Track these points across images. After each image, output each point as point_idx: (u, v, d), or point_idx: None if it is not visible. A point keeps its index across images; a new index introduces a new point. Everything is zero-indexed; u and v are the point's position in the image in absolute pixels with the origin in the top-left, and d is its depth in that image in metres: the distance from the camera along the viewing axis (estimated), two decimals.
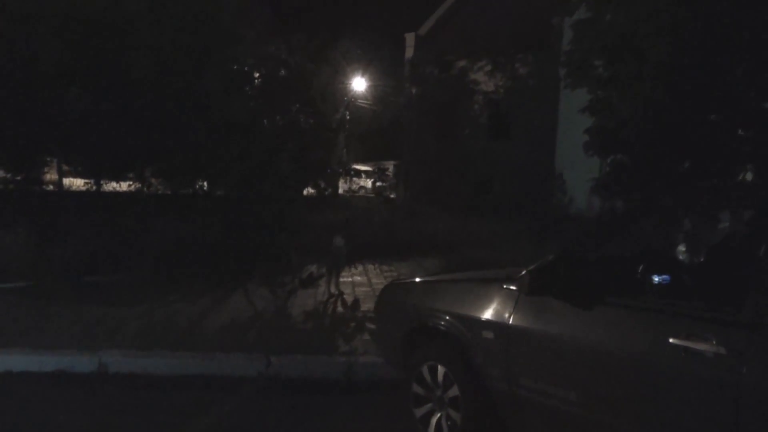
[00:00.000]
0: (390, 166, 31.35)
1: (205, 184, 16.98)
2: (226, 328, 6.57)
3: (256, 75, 17.84)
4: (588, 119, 16.02)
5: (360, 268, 9.89)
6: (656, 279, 3.98)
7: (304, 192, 18.50)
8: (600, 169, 18.39)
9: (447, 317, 4.52)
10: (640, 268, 4.17)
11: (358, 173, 30.86)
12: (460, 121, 21.29)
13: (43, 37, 14.64)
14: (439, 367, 4.54)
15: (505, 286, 4.25)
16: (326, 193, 20.62)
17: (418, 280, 5.38)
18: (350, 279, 9.26)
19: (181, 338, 6.09)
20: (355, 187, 29.02)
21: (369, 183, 31.95)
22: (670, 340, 3.26)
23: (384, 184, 30.34)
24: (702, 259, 4.60)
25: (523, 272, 4.06)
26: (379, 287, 7.22)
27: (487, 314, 4.28)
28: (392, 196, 23.67)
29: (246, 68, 17.47)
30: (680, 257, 4.87)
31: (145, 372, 5.41)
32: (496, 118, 21.07)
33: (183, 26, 15.21)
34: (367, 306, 7.51)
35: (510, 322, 4.12)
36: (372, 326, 5.33)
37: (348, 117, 23.09)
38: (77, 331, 6.15)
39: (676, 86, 8.12)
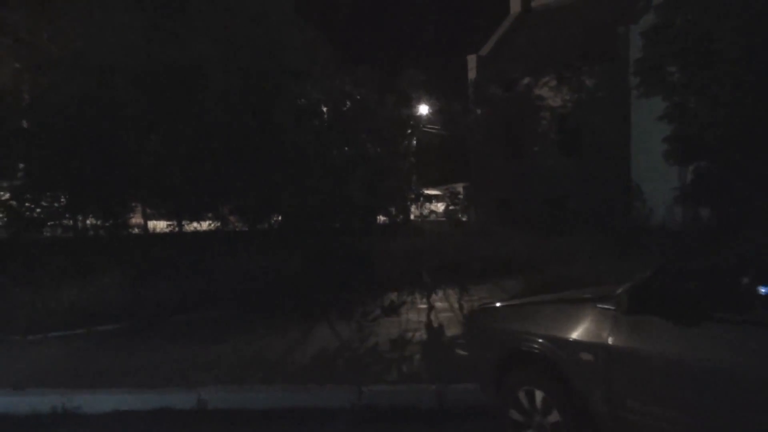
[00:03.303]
0: (460, 188, 31.21)
1: (279, 218, 17.40)
2: (315, 359, 6.64)
3: (324, 108, 18.23)
4: (665, 127, 15.56)
5: (440, 293, 9.84)
6: (763, 290, 3.79)
7: (377, 220, 18.64)
8: (679, 178, 17.78)
9: (542, 341, 4.43)
10: (745, 279, 3.98)
11: (429, 198, 30.78)
12: (528, 138, 21.06)
13: (122, 87, 15.47)
14: (536, 391, 4.44)
15: (600, 306, 4.13)
16: (397, 220, 20.68)
17: (507, 303, 5.30)
18: (432, 305, 9.21)
19: (273, 372, 6.18)
20: (426, 212, 28.93)
21: (439, 207, 31.79)
22: None
23: (456, 207, 30.12)
24: None
25: (620, 290, 3.95)
26: (461, 312, 7.17)
27: (584, 336, 4.16)
28: (464, 218, 23.51)
29: (313, 103, 17.87)
30: None
31: (242, 407, 5.50)
32: (565, 132, 20.73)
33: (252, 68, 15.76)
34: (451, 332, 7.44)
35: (609, 342, 3.99)
36: (462, 352, 5.27)
37: (414, 143, 23.19)
38: (174, 369, 6.34)
39: (756, 86, 7.80)
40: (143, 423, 5.28)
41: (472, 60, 24.11)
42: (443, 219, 25.76)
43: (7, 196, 15.48)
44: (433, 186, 32.73)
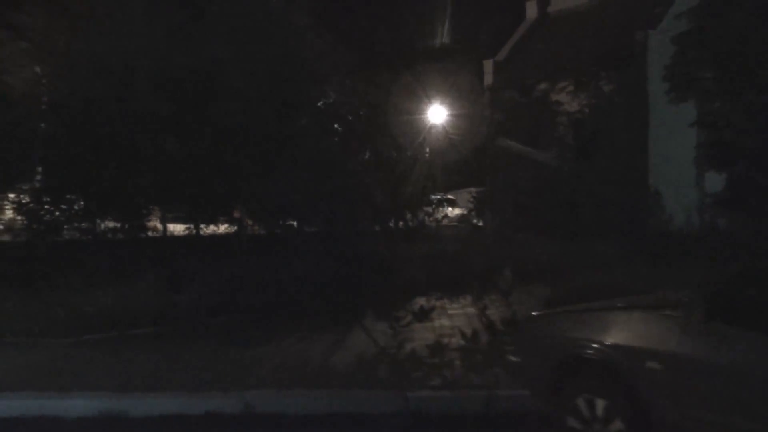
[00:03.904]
0: (472, 192, 31.16)
1: (295, 223, 17.36)
2: (355, 364, 6.60)
3: (343, 113, 18.24)
4: (686, 133, 15.52)
5: (468, 299, 9.77)
6: None
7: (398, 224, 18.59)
8: (697, 184, 17.68)
9: (603, 348, 4.38)
10: None
11: (443, 202, 30.76)
12: (544, 143, 21.00)
13: (141, 91, 15.48)
14: (597, 400, 4.39)
15: (668, 313, 4.08)
16: (412, 224, 20.64)
17: (564, 310, 5.26)
18: (462, 311, 9.16)
19: (315, 376, 6.15)
20: (439, 216, 28.84)
21: (451, 211, 31.77)
22: None
23: (466, 211, 30.07)
24: None
25: (691, 297, 3.90)
26: (494, 318, 7.11)
27: (651, 343, 4.11)
28: (479, 223, 23.43)
29: (333, 107, 17.90)
30: None
31: (289, 411, 5.46)
32: (581, 137, 20.66)
33: (271, 71, 15.75)
34: (488, 337, 7.37)
35: (678, 350, 3.94)
36: (514, 358, 5.22)
37: (427, 147, 23.19)
38: (217, 373, 6.31)
39: None
40: (194, 427, 5.24)
41: (488, 65, 24.06)
42: (455, 224, 25.72)
43: (26, 199, 15.53)
44: (446, 191, 32.76)
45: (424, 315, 8.81)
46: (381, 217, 16.56)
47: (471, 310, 9.14)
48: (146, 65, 15.38)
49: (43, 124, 16.23)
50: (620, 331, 4.31)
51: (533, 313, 5.56)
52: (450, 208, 33.09)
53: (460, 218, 28.83)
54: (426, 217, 21.80)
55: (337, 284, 9.75)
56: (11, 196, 15.64)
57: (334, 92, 17.80)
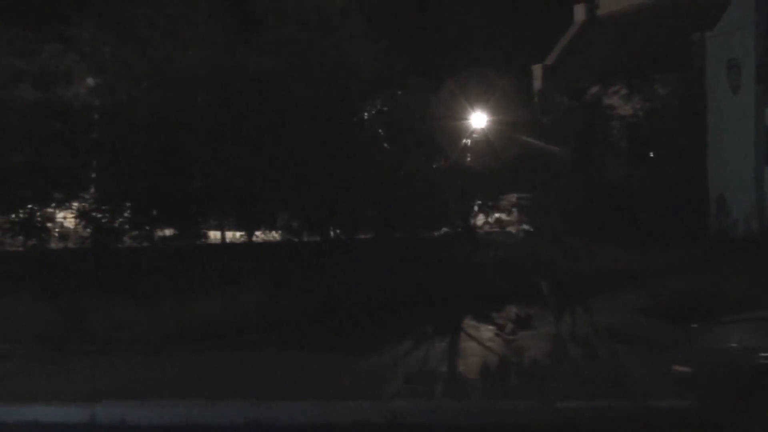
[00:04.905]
0: (514, 198, 30.91)
1: (338, 230, 17.44)
2: (480, 372, 6.47)
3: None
4: (748, 136, 15.19)
5: (550, 305, 9.63)
6: None
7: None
8: (756, 188, 17.28)
9: None
10: None
11: (485, 208, 30.49)
12: (597, 148, 20.79)
13: (200, 101, 15.69)
14: None
15: None
16: (460, 229, 20.64)
17: (739, 319, 5.20)
18: (553, 319, 8.99)
19: (449, 385, 6.03)
20: (492, 221, 28.65)
21: (491, 218, 31.47)
22: None
23: (509, 217, 29.81)
24: None
25: None
26: (599, 325, 6.99)
27: None
28: (530, 229, 23.21)
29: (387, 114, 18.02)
30: None
31: (436, 422, 5.21)
32: (635, 142, 20.42)
33: (326, 80, 15.85)
34: (601, 346, 7.13)
35: None
36: (682, 369, 5.10)
37: (469, 154, 23.10)
38: (352, 381, 6.22)
39: None
40: None
41: (537, 69, 23.89)
42: (497, 229, 25.50)
43: (88, 207, 15.79)
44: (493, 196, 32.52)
45: (525, 323, 8.73)
46: (457, 223, 16.70)
47: (563, 317, 8.98)
48: (205, 75, 15.63)
49: (95, 135, 16.45)
50: None
51: (694, 325, 5.49)
52: (494, 214, 32.83)
53: (502, 224, 28.67)
54: (479, 223, 21.79)
55: (418, 290, 9.73)
56: (75, 204, 15.87)
57: (389, 99, 17.87)
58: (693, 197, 17.72)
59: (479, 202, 23.95)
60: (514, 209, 26.40)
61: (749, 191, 16.44)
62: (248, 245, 15.94)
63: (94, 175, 17.18)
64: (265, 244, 16.35)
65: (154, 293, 8.86)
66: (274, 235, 17.42)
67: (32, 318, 7.02)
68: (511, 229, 25.48)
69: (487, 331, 7.91)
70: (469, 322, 8.43)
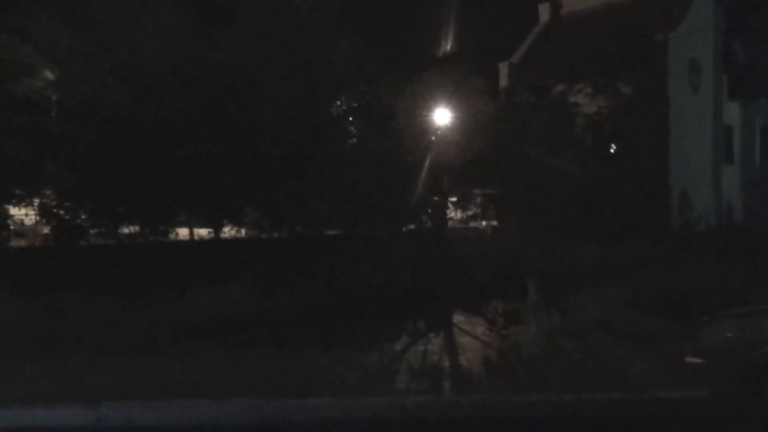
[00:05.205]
0: (477, 195, 31.15)
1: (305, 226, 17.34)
2: (485, 365, 6.48)
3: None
4: (707, 133, 15.61)
5: (530, 301, 9.74)
6: None
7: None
8: (714, 186, 17.81)
9: None
10: None
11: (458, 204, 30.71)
12: (561, 145, 21.09)
13: (167, 94, 15.33)
14: None
15: None
16: (429, 224, 20.78)
17: (751, 311, 5.35)
18: (535, 314, 9.05)
19: (462, 378, 5.99)
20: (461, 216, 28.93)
21: (456, 214, 31.72)
22: None
23: (471, 213, 30.08)
24: None
25: None
26: (588, 319, 7.07)
27: None
28: (493, 224, 23.46)
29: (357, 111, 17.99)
30: None
31: (448, 416, 5.12)
32: (600, 139, 20.79)
33: (299, 75, 15.72)
34: (595, 339, 7.18)
35: None
36: (695, 360, 5.22)
37: (432, 149, 23.22)
38: (363, 376, 6.15)
39: None
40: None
41: (503, 67, 24.11)
42: (459, 226, 25.72)
43: (51, 203, 15.31)
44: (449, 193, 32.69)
45: (514, 317, 8.80)
46: (420, 217, 16.73)
47: (550, 311, 9.02)
48: (172, 69, 15.30)
49: (67, 128, 15.95)
50: None
51: (705, 318, 5.63)
52: (454, 210, 33.09)
53: (467, 220, 28.92)
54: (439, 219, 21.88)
55: (400, 286, 9.70)
56: (36, 201, 15.35)
57: (359, 95, 17.83)
58: (656, 193, 18.16)
59: (453, 198, 24.14)
60: (475, 205, 26.67)
61: (707, 188, 16.97)
62: (218, 242, 15.70)
63: (55, 172, 16.62)
64: (236, 241, 16.13)
65: (136, 292, 8.63)
66: (241, 232, 17.28)
67: (13, 318, 6.76)
68: (475, 224, 25.79)
69: (478, 326, 7.96)
70: (459, 318, 8.46)
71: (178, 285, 9.07)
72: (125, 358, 5.96)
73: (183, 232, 17.54)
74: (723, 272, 9.06)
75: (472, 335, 7.52)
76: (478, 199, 29.64)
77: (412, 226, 19.97)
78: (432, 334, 7.92)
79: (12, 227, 15.55)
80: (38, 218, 15.36)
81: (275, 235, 16.67)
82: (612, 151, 20.57)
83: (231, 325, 7.51)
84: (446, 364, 6.65)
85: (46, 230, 15.18)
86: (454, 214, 31.51)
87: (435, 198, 21.86)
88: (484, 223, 26.03)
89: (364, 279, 10.14)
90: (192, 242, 15.74)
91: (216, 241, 15.82)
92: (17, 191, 14.83)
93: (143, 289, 8.80)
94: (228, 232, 17.35)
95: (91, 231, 15.48)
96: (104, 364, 5.69)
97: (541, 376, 5.64)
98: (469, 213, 30.94)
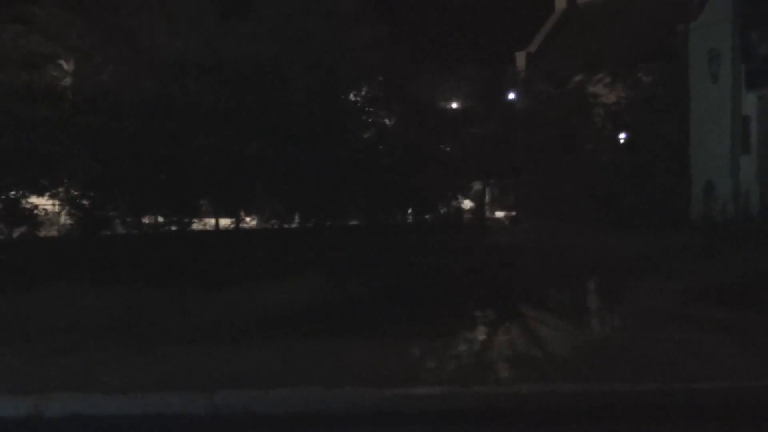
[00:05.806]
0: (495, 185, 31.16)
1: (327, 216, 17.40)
2: (573, 355, 6.39)
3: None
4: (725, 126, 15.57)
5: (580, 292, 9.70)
6: None
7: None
8: (731, 175, 17.82)
9: None
10: None
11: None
12: (580, 134, 21.11)
13: (192, 84, 15.33)
14: None
15: None
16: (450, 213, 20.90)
17: None
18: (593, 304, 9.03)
19: (555, 368, 5.94)
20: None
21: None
22: None
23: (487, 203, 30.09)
24: None
25: None
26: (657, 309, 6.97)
27: None
28: (515, 215, 23.46)
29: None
30: None
31: (554, 405, 5.14)
32: (619, 129, 20.77)
33: (322, 64, 15.71)
34: (671, 330, 7.10)
35: None
36: None
37: (456, 138, 23.27)
38: (456, 366, 6.16)
39: None
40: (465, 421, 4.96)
41: (521, 57, 24.06)
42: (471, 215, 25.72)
43: (75, 192, 15.32)
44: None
45: (580, 308, 8.74)
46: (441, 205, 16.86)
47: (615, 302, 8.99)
48: (197, 58, 15.30)
49: (92, 119, 15.92)
50: None
51: None
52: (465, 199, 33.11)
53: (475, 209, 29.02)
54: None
55: (449, 276, 9.69)
56: (60, 190, 15.36)
57: (385, 84, 17.87)
58: (676, 183, 18.19)
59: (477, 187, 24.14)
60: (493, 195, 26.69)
61: (726, 178, 17.01)
62: (279, 232, 15.88)
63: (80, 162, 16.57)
64: (301, 231, 16.20)
65: (206, 282, 8.64)
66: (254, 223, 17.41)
67: (90, 310, 6.81)
68: (491, 215, 25.73)
69: (548, 316, 7.93)
70: (526, 307, 8.43)
71: (249, 275, 9.11)
72: (215, 346, 5.98)
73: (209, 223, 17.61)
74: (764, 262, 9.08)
75: (547, 325, 7.54)
76: (496, 190, 29.64)
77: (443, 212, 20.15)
78: (507, 323, 7.91)
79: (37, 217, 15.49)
80: (61, 208, 15.41)
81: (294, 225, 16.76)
82: (631, 140, 20.57)
83: (309, 314, 7.48)
84: (538, 353, 6.66)
85: (67, 221, 15.21)
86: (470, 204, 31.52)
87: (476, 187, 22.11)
88: (498, 213, 26.03)
89: (428, 267, 10.17)
90: (252, 231, 15.89)
91: (277, 231, 15.95)
92: (43, 181, 14.85)
93: (212, 279, 8.83)
94: (248, 222, 17.52)
95: (116, 221, 15.57)
96: (198, 352, 5.71)
97: (639, 365, 5.67)
98: (486, 203, 30.91)
